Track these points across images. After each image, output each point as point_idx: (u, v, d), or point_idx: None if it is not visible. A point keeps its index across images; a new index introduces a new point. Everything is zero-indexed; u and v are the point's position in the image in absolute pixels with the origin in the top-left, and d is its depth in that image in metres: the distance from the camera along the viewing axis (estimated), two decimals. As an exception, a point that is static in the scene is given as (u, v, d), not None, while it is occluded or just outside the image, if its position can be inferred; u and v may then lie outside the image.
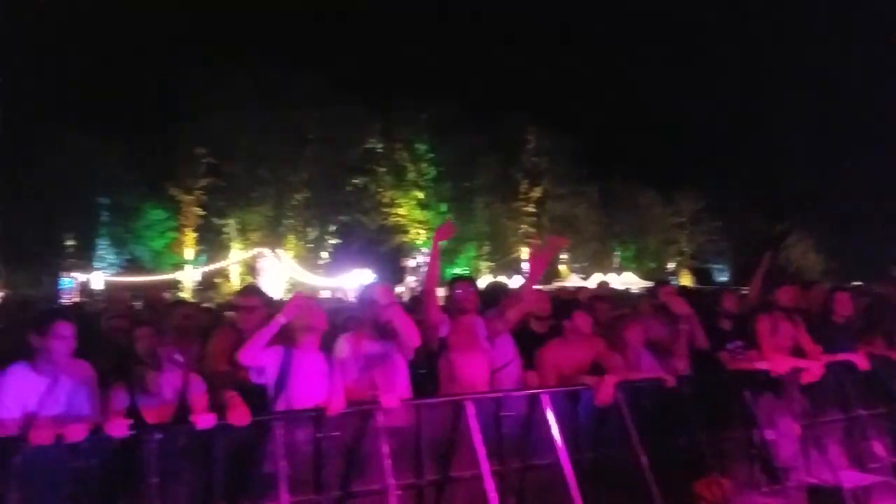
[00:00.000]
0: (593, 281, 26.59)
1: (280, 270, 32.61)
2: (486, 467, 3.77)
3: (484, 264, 39.15)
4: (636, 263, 42.43)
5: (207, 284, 33.52)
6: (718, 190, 40.93)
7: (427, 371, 4.39)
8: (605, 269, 36.73)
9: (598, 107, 41.09)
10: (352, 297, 22.04)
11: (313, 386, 3.86)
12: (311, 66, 34.28)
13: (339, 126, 34.58)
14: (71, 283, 30.86)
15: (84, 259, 33.92)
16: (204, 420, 3.46)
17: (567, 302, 5.30)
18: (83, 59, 33.63)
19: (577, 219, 40.40)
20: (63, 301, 25.13)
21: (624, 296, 10.95)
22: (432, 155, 38.10)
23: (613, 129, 41.35)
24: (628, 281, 32.13)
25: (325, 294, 27.00)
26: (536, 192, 40.77)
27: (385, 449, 3.64)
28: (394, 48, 41.92)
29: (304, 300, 4.09)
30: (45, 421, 3.47)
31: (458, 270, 38.65)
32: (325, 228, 37.44)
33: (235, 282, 33.68)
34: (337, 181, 35.89)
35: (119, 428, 3.37)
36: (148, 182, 34.09)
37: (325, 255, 37.59)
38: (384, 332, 4.09)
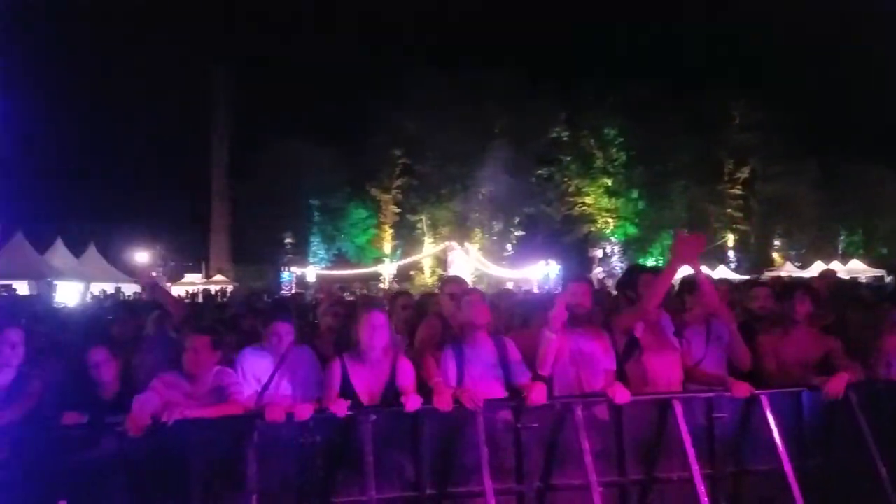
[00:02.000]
0: (813, 270, 23.82)
1: (467, 263, 33.66)
2: (696, 469, 3.54)
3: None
4: (864, 249, 37.15)
5: (403, 276, 35.75)
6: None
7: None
8: (827, 257, 32.48)
9: (815, 74, 36.00)
10: (536, 288, 22.01)
11: (488, 378, 3.91)
12: (496, 61, 34.75)
13: (525, 118, 34.71)
14: (290, 276, 34.67)
15: (300, 255, 38.08)
16: (412, 402, 3.66)
17: (790, 288, 4.71)
18: (293, 72, 37.40)
19: (794, 200, 36.08)
20: (283, 292, 28.35)
21: (849, 286, 9.60)
22: (622, 139, 36.47)
23: (834, 99, 35.77)
24: (855, 269, 28.24)
25: (509, 286, 27.32)
26: (744, 173, 37.28)
27: (586, 444, 3.57)
28: (577, 31, 40.51)
29: (478, 295, 4.17)
30: (276, 399, 3.93)
31: (652, 262, 36.83)
32: (510, 221, 37.88)
33: (427, 274, 35.63)
34: (522, 173, 36.01)
35: (340, 407, 3.69)
36: (352, 184, 37.27)
37: (509, 247, 38.10)
38: (585, 327, 4.03)
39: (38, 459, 3.48)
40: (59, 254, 25.58)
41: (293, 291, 28.54)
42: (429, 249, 36.96)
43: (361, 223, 38.53)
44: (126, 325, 6.05)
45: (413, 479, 3.78)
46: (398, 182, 37.66)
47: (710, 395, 3.89)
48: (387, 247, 38.47)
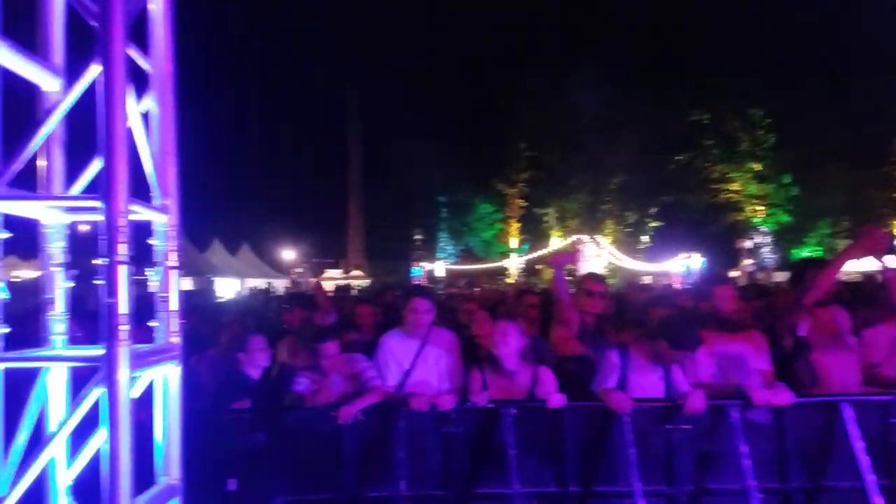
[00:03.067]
0: None
1: (599, 256, 32.72)
2: (871, 479, 3.21)
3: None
4: None
5: (530, 271, 35.50)
6: None
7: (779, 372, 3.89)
8: None
9: None
10: (676, 282, 21.00)
11: (652, 379, 3.79)
12: (623, 47, 33.33)
13: (657, 103, 32.80)
14: (419, 271, 35.68)
15: (429, 250, 39.10)
16: (557, 399, 3.64)
17: None
18: (417, 71, 38.20)
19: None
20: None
21: None
22: (769, 120, 33.37)
23: None
24: None
25: (646, 279, 26.26)
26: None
27: (744, 448, 3.35)
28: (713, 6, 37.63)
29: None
30: (419, 385, 4.05)
31: (807, 252, 33.70)
32: (645, 211, 36.22)
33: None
34: (657, 160, 34.04)
35: (481, 397, 3.74)
36: (477, 179, 37.47)
37: (645, 238, 36.52)
38: (734, 330, 3.80)
39: (211, 441, 3.84)
40: (217, 253, 28.00)
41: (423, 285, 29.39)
42: (556, 243, 36.39)
43: (487, 218, 38.77)
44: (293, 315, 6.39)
45: (556, 475, 3.75)
46: (524, 175, 37.38)
47: (886, 398, 3.51)
48: (513, 241, 38.40)
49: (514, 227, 38.38)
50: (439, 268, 36.74)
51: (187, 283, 22.73)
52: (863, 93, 31.52)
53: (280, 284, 27.96)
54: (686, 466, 3.56)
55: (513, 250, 37.78)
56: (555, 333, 4.51)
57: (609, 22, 35.96)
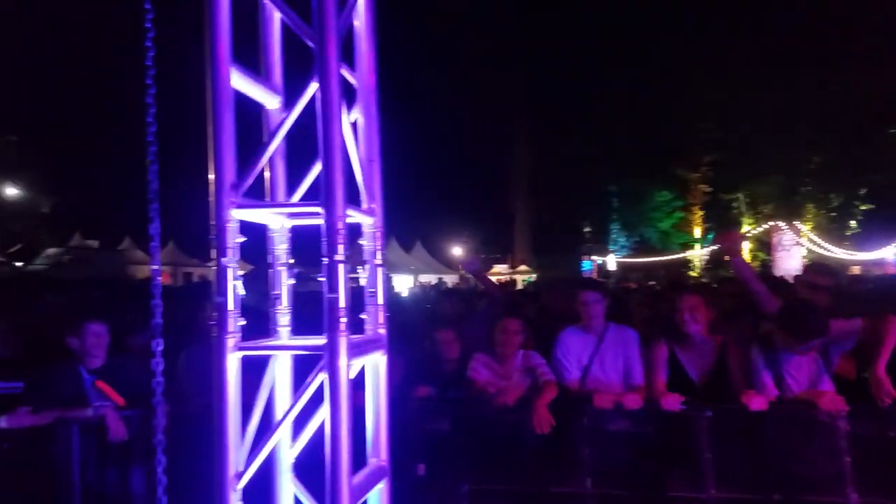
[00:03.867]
0: None
1: (797, 245, 29.58)
2: None
3: None
4: None
5: (717, 263, 33.04)
6: None
7: None
8: None
9: None
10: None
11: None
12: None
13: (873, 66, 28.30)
14: (590, 264, 34.88)
15: (600, 243, 37.94)
16: (757, 402, 3.39)
17: None
18: (580, 52, 37.03)
19: None
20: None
21: None
22: None
23: None
24: None
25: (855, 270, 23.33)
26: None
27: None
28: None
29: None
30: (600, 382, 3.98)
31: None
32: (854, 192, 31.71)
33: (749, 259, 32.12)
34: (867, 134, 29.55)
35: (672, 402, 3.58)
36: (653, 165, 35.21)
37: (853, 224, 32.18)
38: None
39: (402, 428, 4.09)
40: (394, 250, 29.72)
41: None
42: (747, 231, 33.26)
43: (665, 206, 36.45)
44: (454, 306, 6.71)
45: (754, 481, 3.49)
46: (707, 158, 34.38)
47: None
48: (696, 231, 35.72)
49: (697, 215, 35.59)
50: (611, 261, 35.60)
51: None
52: None
53: (450, 280, 28.97)
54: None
55: (696, 241, 35.18)
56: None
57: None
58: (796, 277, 4.64)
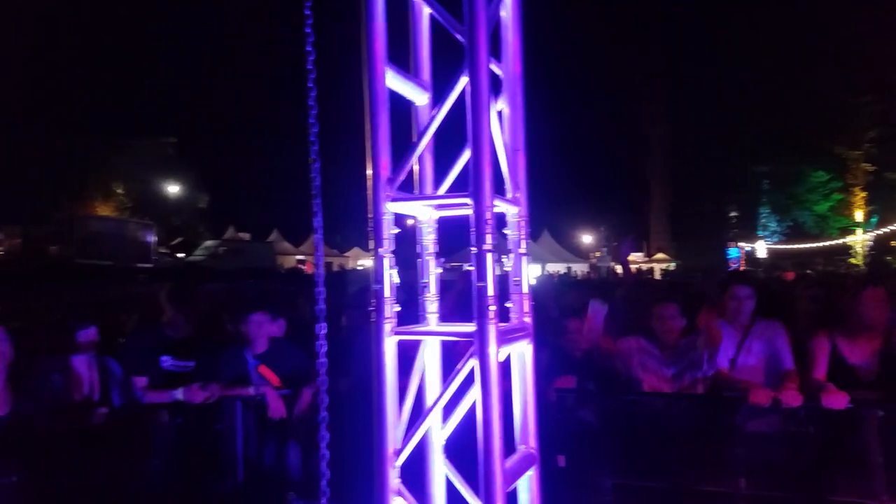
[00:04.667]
0: None
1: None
2: None
3: None
4: None
5: (882, 248, 29.73)
6: None
7: None
8: None
9: None
10: None
11: None
12: None
13: None
14: (737, 252, 32.66)
15: (748, 228, 35.37)
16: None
17: None
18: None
19: None
20: (731, 269, 26.91)
21: None
22: None
23: None
24: None
25: None
26: None
27: None
28: None
29: None
30: (748, 374, 3.77)
31: None
32: None
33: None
34: None
35: (838, 401, 3.30)
36: (807, 143, 32.15)
37: None
38: None
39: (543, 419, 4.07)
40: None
41: (742, 269, 26.85)
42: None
43: (822, 188, 33.12)
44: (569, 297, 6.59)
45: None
46: (870, 134, 30.83)
47: None
48: (858, 214, 32.20)
49: (860, 196, 32.07)
50: (760, 248, 33.17)
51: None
52: None
53: (579, 269, 28.35)
54: None
55: (858, 224, 31.74)
56: None
57: None
58: None
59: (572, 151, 40.99)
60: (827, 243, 31.09)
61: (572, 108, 39.81)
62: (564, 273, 25.53)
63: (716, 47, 34.10)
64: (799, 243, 32.34)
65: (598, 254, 37.08)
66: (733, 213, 36.27)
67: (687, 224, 37.28)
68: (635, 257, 33.74)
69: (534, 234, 31.38)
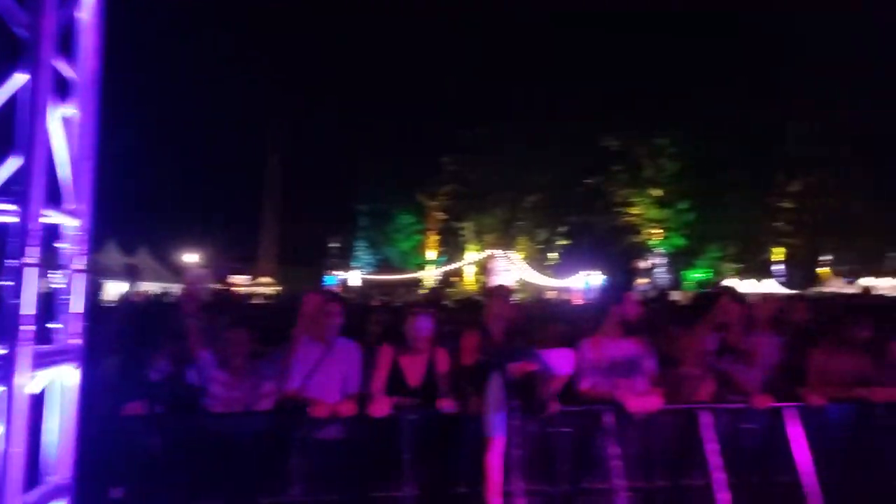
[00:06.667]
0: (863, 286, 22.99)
1: (510, 271, 33.67)
2: (719, 477, 3.65)
3: (729, 266, 35.79)
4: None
5: (445, 283, 36.03)
6: None
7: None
8: (880, 273, 31.08)
9: (875, 85, 33.73)
10: (575, 298, 21.79)
11: None
12: (551, 65, 34.58)
13: (576, 126, 34.22)
14: (334, 279, 35.28)
15: (345, 258, 38.91)
16: (447, 405, 3.88)
17: (845, 306, 4.86)
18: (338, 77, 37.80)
19: (845, 214, 34.43)
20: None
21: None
22: (674, 150, 35.55)
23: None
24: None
25: (550, 295, 27.24)
26: (795, 186, 35.72)
27: (614, 450, 3.71)
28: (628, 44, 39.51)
29: None
30: (319, 390, 4.14)
31: (697, 274, 36.06)
32: (555, 229, 37.79)
33: (469, 281, 35.95)
34: (571, 182, 35.68)
35: (381, 408, 3.90)
36: (400, 190, 37.44)
37: (554, 255, 38.02)
38: (630, 333, 4.20)
39: (107, 444, 3.76)
40: (110, 254, 26.46)
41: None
42: (472, 256, 37.20)
43: (407, 229, 39.06)
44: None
45: (446, 478, 3.95)
46: (446, 188, 38.01)
47: (739, 406, 3.98)
48: (431, 253, 38.86)
49: (433, 238, 38.87)
50: (355, 277, 36.52)
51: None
52: (759, 129, 34.09)
53: (178, 289, 26.73)
54: (565, 467, 3.86)
55: (430, 262, 38.21)
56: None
57: (535, 52, 37.05)
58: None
59: (188, 169, 38.83)
60: (407, 276, 36.29)
61: (186, 122, 37.67)
62: (160, 294, 23.73)
63: (329, 87, 37.23)
64: (387, 274, 36.97)
65: (197, 274, 35.47)
66: (335, 244, 39.48)
67: (294, 251, 39.02)
68: (239, 280, 33.51)
69: (129, 251, 28.42)
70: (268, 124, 40.02)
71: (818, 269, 35.39)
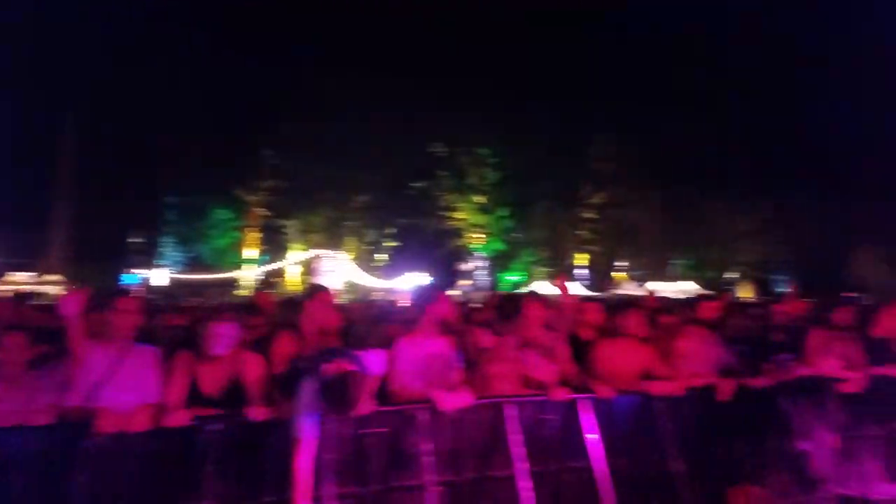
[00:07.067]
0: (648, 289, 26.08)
1: (338, 271, 33.32)
2: (521, 467, 3.87)
3: (540, 270, 38.82)
4: (698, 272, 41.02)
5: (267, 283, 34.60)
6: (785, 200, 38.52)
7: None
8: (665, 278, 35.80)
9: (666, 113, 38.86)
10: (401, 299, 22.17)
11: None
12: (379, 69, 34.65)
13: (403, 130, 34.73)
14: (136, 278, 32.28)
15: (149, 255, 35.63)
16: (255, 412, 3.68)
17: (624, 304, 5.39)
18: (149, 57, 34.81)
19: (638, 226, 39.22)
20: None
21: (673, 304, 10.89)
22: (496, 160, 37.73)
23: (681, 137, 38.94)
24: (686, 290, 31.37)
25: (377, 296, 27.46)
26: (597, 198, 39.72)
27: (426, 446, 3.77)
28: (453, 55, 41.30)
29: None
30: (111, 406, 3.73)
31: (513, 276, 38.58)
32: (384, 231, 38.04)
33: (293, 281, 34.77)
34: (399, 185, 36.12)
35: (180, 418, 3.60)
36: (215, 183, 35.00)
37: (382, 257, 38.25)
38: (443, 332, 4.30)
39: None
40: None
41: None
42: (296, 256, 36.10)
43: (222, 225, 36.66)
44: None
45: (252, 488, 3.77)
46: (268, 184, 36.20)
47: (540, 398, 4.26)
48: (251, 251, 36.89)
49: (252, 236, 36.96)
50: (161, 276, 33.78)
51: None
52: (568, 146, 37.51)
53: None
54: (376, 467, 3.85)
55: (249, 261, 36.28)
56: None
57: (367, 44, 37.12)
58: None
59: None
60: (222, 275, 34.20)
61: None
62: None
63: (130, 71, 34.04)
64: (199, 273, 34.45)
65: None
66: (137, 239, 36.00)
67: (88, 246, 34.92)
68: (21, 277, 29.49)
69: None
70: (60, 101, 35.54)
71: (615, 274, 39.71)
